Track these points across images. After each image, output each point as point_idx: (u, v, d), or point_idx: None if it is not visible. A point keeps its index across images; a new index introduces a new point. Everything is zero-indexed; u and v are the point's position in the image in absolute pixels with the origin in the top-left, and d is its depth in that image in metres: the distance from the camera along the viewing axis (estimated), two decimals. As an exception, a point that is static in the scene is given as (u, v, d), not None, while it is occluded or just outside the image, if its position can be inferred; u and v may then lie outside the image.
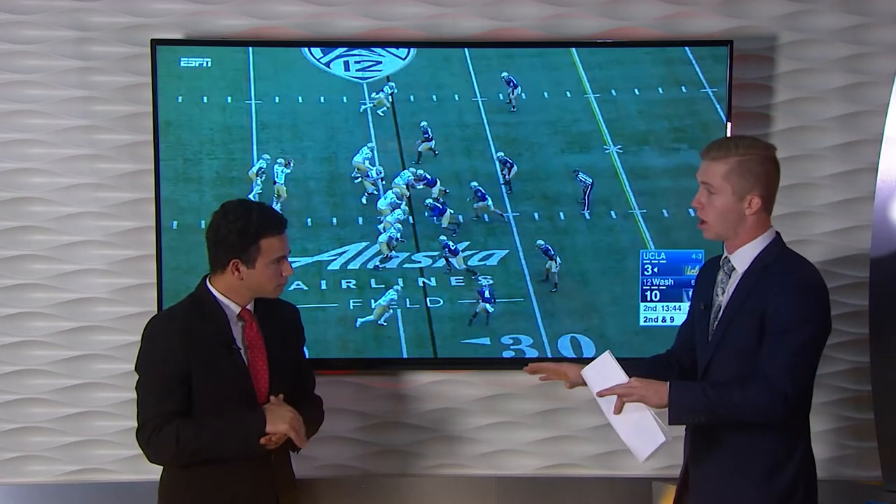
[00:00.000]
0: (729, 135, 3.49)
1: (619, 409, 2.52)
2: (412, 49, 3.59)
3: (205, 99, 3.56)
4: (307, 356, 3.47)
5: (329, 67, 3.60)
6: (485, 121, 3.63)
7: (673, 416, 2.49)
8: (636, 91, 3.60)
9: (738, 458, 2.55)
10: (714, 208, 2.57)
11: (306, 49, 3.59)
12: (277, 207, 3.54)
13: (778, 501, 2.54)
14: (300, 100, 3.60)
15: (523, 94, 3.60)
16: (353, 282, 3.58)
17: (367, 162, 3.59)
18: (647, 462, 2.55)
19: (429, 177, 3.60)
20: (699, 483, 2.66)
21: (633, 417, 2.51)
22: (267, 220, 2.73)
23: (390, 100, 3.62)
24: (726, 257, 2.64)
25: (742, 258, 2.59)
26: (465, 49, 3.62)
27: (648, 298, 3.58)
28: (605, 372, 2.55)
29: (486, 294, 3.57)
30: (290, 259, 3.53)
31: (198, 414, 2.69)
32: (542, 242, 3.58)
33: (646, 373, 2.64)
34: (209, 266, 2.78)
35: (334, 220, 3.60)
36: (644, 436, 2.50)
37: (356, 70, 3.61)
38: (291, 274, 2.80)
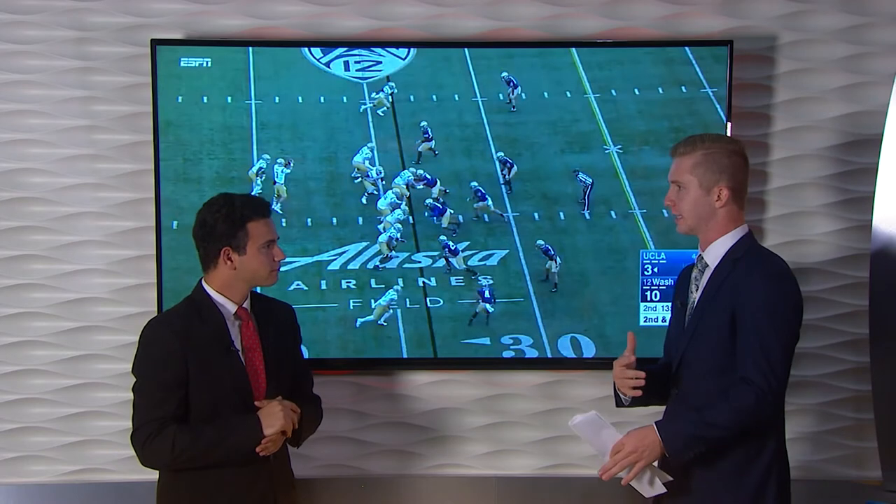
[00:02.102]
0: (729, 135, 3.49)
1: (630, 478, 2.56)
2: (412, 49, 3.59)
3: (205, 99, 3.56)
4: (307, 356, 3.48)
5: (329, 67, 3.60)
6: (485, 121, 3.63)
7: (673, 458, 2.52)
8: (636, 91, 3.60)
9: (709, 457, 2.55)
10: (684, 202, 2.62)
11: (306, 49, 3.59)
12: (277, 207, 3.55)
13: (750, 498, 2.56)
14: (300, 100, 3.60)
15: (523, 94, 3.60)
16: (353, 282, 3.58)
17: (367, 162, 3.59)
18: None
19: (429, 177, 3.60)
20: (672, 485, 2.64)
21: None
22: (251, 205, 2.75)
23: (390, 100, 3.62)
24: (700, 255, 2.67)
25: (714, 254, 2.63)
26: (465, 49, 3.62)
27: (648, 298, 3.58)
28: (595, 429, 2.59)
29: (486, 294, 3.57)
30: (290, 259, 3.55)
31: (195, 416, 2.69)
32: (542, 242, 3.58)
33: (650, 383, 2.67)
34: (201, 265, 2.78)
35: (334, 220, 3.60)
36: (646, 483, 2.58)
37: (356, 70, 3.61)
38: (283, 258, 2.80)
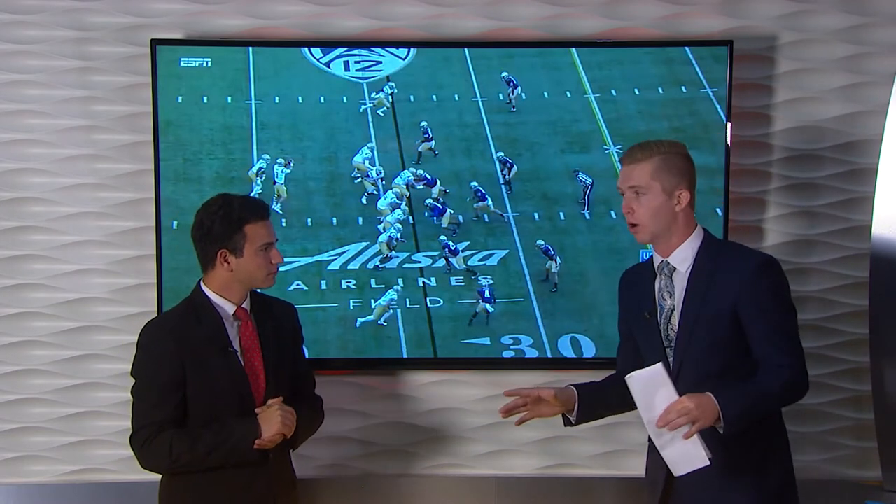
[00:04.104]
0: (729, 136, 3.50)
1: (673, 428, 2.41)
2: (412, 49, 3.59)
3: (205, 99, 3.56)
4: (307, 356, 3.48)
5: (329, 67, 3.60)
6: (485, 121, 3.63)
7: (727, 428, 2.43)
8: (636, 91, 3.60)
9: (728, 457, 2.54)
10: (646, 209, 2.60)
11: (306, 49, 3.59)
12: (277, 207, 3.55)
13: (775, 497, 2.57)
14: (300, 100, 3.60)
15: (523, 94, 3.60)
16: (353, 282, 3.58)
17: (367, 162, 3.59)
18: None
19: (429, 177, 3.60)
20: (687, 489, 2.62)
21: (678, 435, 2.44)
22: (249, 207, 2.74)
23: (390, 100, 3.62)
24: (664, 261, 2.66)
25: (682, 257, 2.63)
26: (465, 49, 3.62)
27: (648, 298, 3.58)
28: (653, 385, 2.46)
29: (486, 294, 3.57)
30: (290, 259, 3.54)
31: (194, 418, 2.69)
32: (542, 242, 3.58)
33: (610, 397, 2.73)
34: (200, 266, 2.78)
35: (334, 220, 3.60)
36: (687, 455, 2.45)
37: (356, 70, 3.61)
38: (281, 262, 2.79)
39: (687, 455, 2.45)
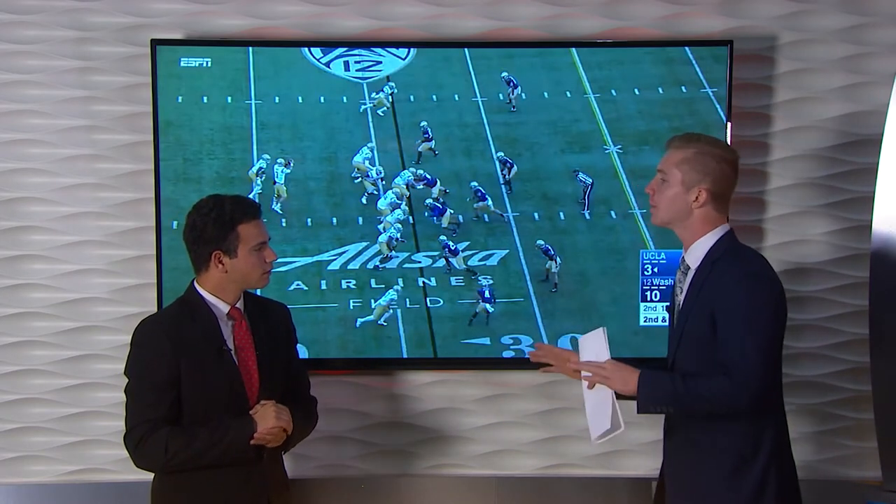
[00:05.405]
0: (729, 136, 3.50)
1: (591, 386, 2.62)
2: (412, 49, 3.59)
3: (205, 99, 3.56)
4: (307, 356, 3.48)
5: (329, 67, 3.60)
6: (485, 121, 3.63)
7: (640, 406, 2.54)
8: (636, 91, 3.60)
9: (705, 457, 2.57)
10: (663, 195, 2.63)
11: (306, 49, 3.59)
12: (277, 207, 3.55)
13: (746, 500, 2.55)
14: (300, 100, 3.60)
15: (523, 94, 3.60)
16: (353, 282, 3.58)
17: (367, 162, 3.59)
18: (600, 443, 2.70)
19: (429, 177, 3.60)
20: (673, 483, 2.68)
21: (598, 397, 2.61)
22: (241, 207, 2.73)
23: (390, 100, 3.62)
24: (682, 257, 2.68)
25: (695, 255, 2.64)
26: (465, 49, 3.62)
27: (648, 298, 3.58)
28: (594, 345, 2.65)
29: (486, 294, 3.57)
30: (290, 259, 3.54)
31: (188, 416, 2.68)
32: (542, 242, 3.58)
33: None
34: (193, 267, 2.78)
35: (334, 220, 3.60)
36: (599, 417, 2.60)
37: (356, 70, 3.61)
38: (275, 259, 2.79)
39: (598, 417, 2.59)
